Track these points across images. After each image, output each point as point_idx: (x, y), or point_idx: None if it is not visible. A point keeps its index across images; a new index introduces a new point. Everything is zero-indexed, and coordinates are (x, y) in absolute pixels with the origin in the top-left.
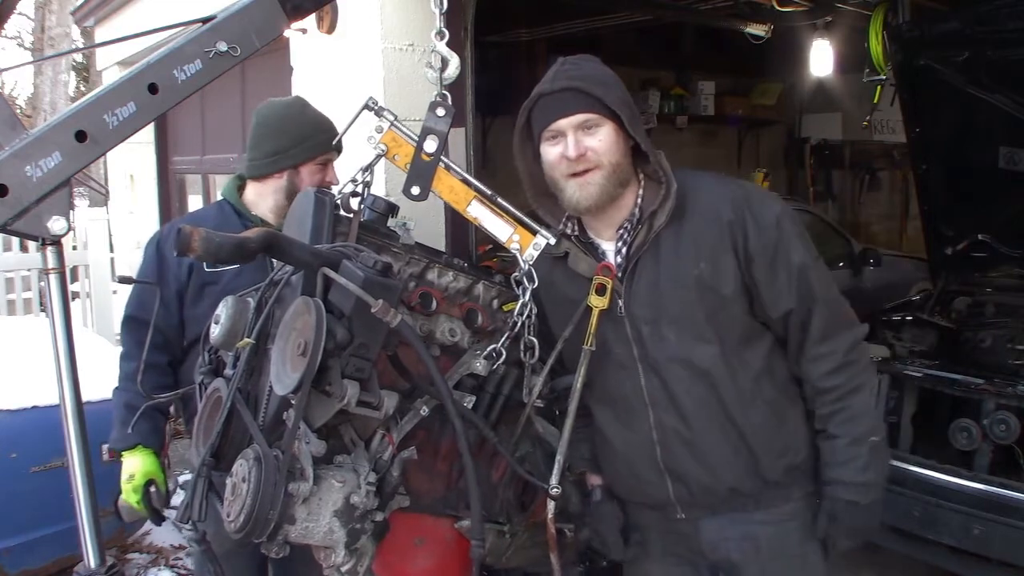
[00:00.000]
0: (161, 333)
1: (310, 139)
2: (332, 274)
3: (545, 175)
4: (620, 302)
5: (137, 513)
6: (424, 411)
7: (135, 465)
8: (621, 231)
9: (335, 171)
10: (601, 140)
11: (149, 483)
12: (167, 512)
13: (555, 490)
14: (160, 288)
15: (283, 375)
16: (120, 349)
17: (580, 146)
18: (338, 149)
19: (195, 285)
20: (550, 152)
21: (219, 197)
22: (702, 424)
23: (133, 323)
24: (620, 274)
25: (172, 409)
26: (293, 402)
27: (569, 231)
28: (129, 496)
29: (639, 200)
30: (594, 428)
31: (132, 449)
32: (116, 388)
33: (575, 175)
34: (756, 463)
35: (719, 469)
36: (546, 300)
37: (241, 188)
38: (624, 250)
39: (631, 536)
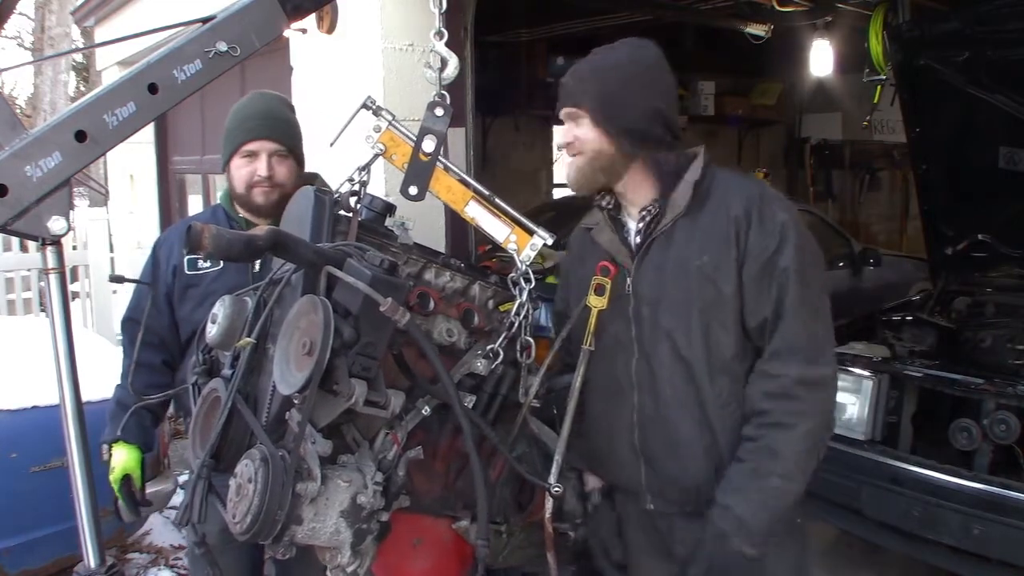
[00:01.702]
0: (155, 334)
1: (230, 134)
2: (339, 273)
3: None
4: (629, 280)
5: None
6: (426, 411)
7: (116, 458)
8: (644, 212)
9: (267, 162)
10: (581, 130)
11: (127, 477)
12: (166, 512)
13: (556, 489)
14: (153, 289)
15: (287, 375)
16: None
17: (568, 134)
18: (270, 137)
19: (179, 287)
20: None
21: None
22: (678, 413)
23: (129, 323)
24: (634, 253)
25: (171, 407)
26: (296, 401)
27: (604, 204)
28: (112, 485)
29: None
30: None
31: (116, 443)
32: (116, 385)
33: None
34: (724, 467)
35: (687, 462)
36: (572, 274)
37: None
38: (643, 231)
39: (624, 530)
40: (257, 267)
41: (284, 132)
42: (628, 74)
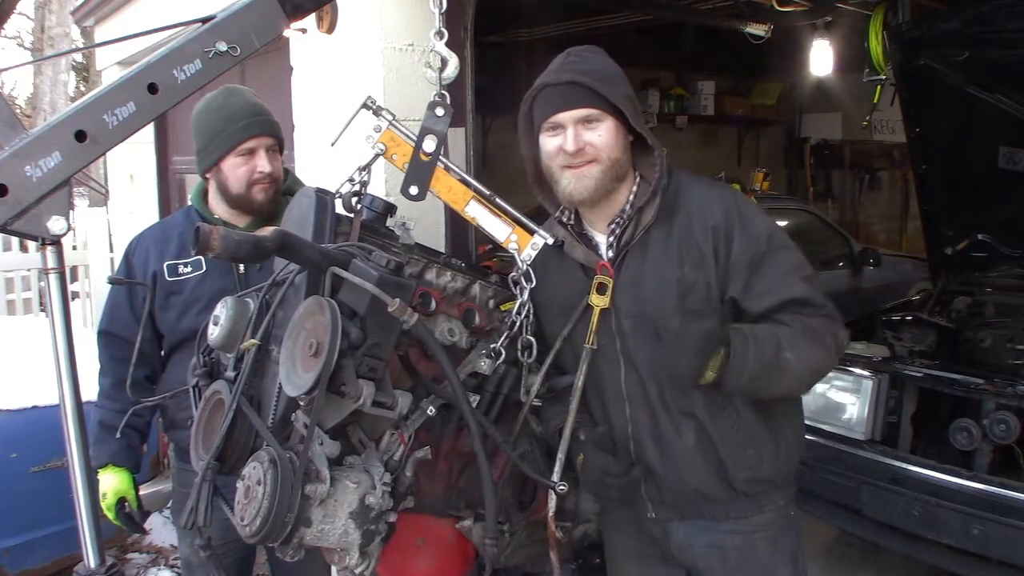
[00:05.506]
0: (135, 346)
1: (221, 133)
2: (346, 274)
3: (542, 164)
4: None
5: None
6: (431, 411)
7: (107, 484)
8: (613, 225)
9: (266, 158)
10: (601, 135)
11: (122, 500)
12: (166, 512)
13: (561, 487)
14: (130, 300)
15: (294, 376)
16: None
17: (579, 140)
18: (268, 133)
19: (161, 295)
20: (549, 143)
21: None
22: (672, 423)
23: (106, 337)
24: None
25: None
26: (303, 403)
27: (565, 219)
28: (106, 512)
29: (631, 196)
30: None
31: (104, 467)
32: (94, 404)
33: (571, 167)
34: (724, 470)
35: (686, 470)
36: (538, 289)
37: (206, 192)
38: (614, 244)
39: (608, 537)
40: (242, 270)
41: (275, 126)
42: (625, 78)
